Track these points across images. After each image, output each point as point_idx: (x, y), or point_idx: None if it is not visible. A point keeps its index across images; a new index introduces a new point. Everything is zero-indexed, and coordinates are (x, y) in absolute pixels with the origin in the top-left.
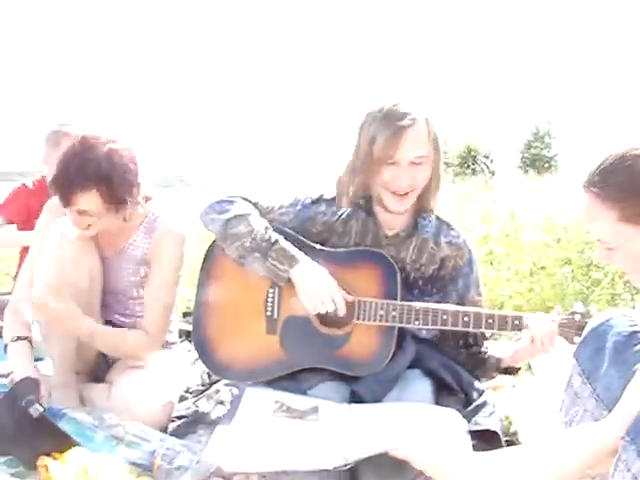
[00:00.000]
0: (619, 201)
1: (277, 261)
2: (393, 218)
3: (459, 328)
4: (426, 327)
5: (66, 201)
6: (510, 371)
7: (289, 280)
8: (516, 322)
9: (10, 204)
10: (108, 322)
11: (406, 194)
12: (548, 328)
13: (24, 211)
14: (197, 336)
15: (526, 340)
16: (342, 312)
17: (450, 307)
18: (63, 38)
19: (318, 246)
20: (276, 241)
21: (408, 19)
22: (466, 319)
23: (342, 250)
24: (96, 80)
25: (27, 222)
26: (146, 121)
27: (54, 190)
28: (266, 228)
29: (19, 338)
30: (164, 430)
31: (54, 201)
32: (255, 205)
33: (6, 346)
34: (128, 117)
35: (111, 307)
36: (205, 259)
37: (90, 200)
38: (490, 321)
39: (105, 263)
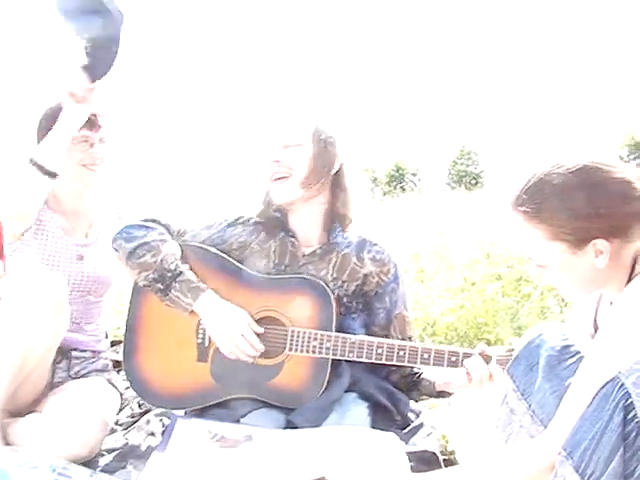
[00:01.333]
0: (547, 220)
1: (180, 292)
2: (306, 228)
3: (394, 362)
4: (360, 360)
5: (93, 125)
6: (444, 395)
7: (192, 312)
8: (453, 359)
9: None
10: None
11: (282, 178)
12: (485, 369)
13: None
14: (128, 361)
15: (461, 375)
16: (259, 350)
17: (386, 340)
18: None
19: (251, 271)
20: (181, 272)
21: (338, 36)
22: (401, 353)
23: (276, 277)
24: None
25: None
26: None
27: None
28: (173, 258)
29: None
30: (95, 464)
31: None
32: (167, 228)
33: None
34: None
35: None
36: (136, 283)
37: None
38: (426, 356)
39: None
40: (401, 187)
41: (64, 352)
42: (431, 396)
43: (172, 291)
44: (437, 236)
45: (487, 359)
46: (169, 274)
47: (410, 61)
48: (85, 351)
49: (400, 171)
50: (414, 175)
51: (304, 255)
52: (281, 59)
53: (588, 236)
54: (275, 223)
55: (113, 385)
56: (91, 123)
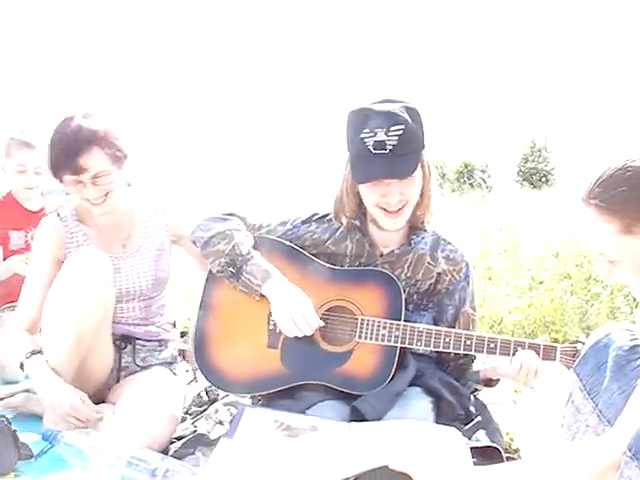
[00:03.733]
0: (620, 213)
1: (251, 275)
2: (388, 236)
3: (460, 351)
4: (428, 349)
5: (76, 168)
6: (489, 384)
7: (262, 295)
8: (519, 348)
9: None
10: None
11: (398, 210)
12: (535, 364)
13: None
14: (199, 348)
15: (515, 364)
16: (310, 332)
17: (452, 330)
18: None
19: (322, 262)
20: (252, 257)
21: (404, 33)
22: (469, 342)
23: (347, 268)
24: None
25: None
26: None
27: (58, 170)
28: (246, 244)
29: (33, 353)
30: (165, 451)
31: (51, 220)
32: (243, 220)
33: (21, 365)
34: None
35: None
36: (209, 271)
37: (98, 158)
38: (492, 346)
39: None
40: (470, 184)
41: (129, 339)
42: (476, 383)
43: (243, 274)
44: (506, 234)
45: (551, 350)
46: (240, 258)
47: (482, 55)
48: (150, 341)
49: (469, 167)
50: (483, 172)
51: (382, 255)
52: (345, 58)
53: None
54: (354, 226)
55: (178, 376)
56: (73, 168)
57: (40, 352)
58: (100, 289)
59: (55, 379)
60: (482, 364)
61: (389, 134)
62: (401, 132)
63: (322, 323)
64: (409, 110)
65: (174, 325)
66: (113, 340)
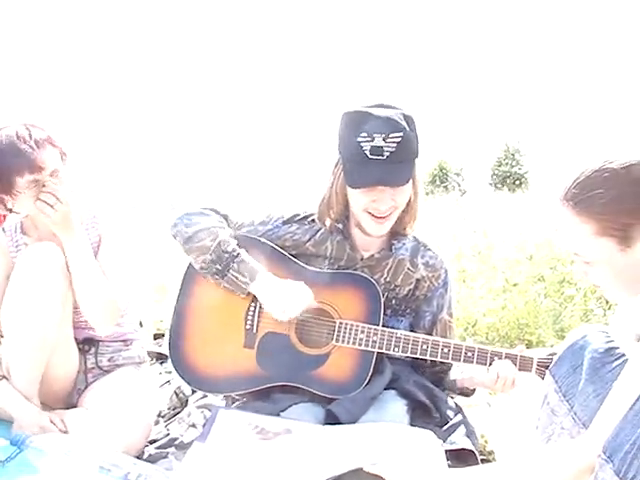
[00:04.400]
0: (596, 215)
1: (238, 272)
2: (370, 240)
3: (437, 359)
4: (405, 355)
5: (34, 167)
6: (464, 393)
7: (248, 293)
8: (495, 358)
9: None
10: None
11: (386, 217)
12: (512, 374)
13: None
14: (174, 346)
15: (492, 374)
16: (309, 305)
17: (430, 337)
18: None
19: (302, 264)
20: (238, 254)
21: (383, 37)
22: (446, 350)
23: (327, 271)
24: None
25: None
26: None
27: (12, 175)
28: (231, 241)
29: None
30: (138, 456)
31: None
32: (225, 218)
33: None
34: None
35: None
36: (187, 270)
37: (52, 154)
38: (469, 354)
39: None
40: (444, 187)
41: (92, 342)
42: (452, 392)
43: (230, 271)
44: (480, 236)
45: (528, 361)
46: (227, 255)
47: (456, 60)
48: (115, 341)
49: (443, 170)
50: (457, 175)
51: (362, 259)
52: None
53: (638, 233)
54: (336, 229)
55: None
56: (33, 166)
57: (4, 377)
58: (58, 281)
59: (21, 403)
60: (460, 373)
61: (387, 140)
62: (399, 139)
63: (314, 304)
64: (407, 118)
65: (140, 324)
66: (77, 344)
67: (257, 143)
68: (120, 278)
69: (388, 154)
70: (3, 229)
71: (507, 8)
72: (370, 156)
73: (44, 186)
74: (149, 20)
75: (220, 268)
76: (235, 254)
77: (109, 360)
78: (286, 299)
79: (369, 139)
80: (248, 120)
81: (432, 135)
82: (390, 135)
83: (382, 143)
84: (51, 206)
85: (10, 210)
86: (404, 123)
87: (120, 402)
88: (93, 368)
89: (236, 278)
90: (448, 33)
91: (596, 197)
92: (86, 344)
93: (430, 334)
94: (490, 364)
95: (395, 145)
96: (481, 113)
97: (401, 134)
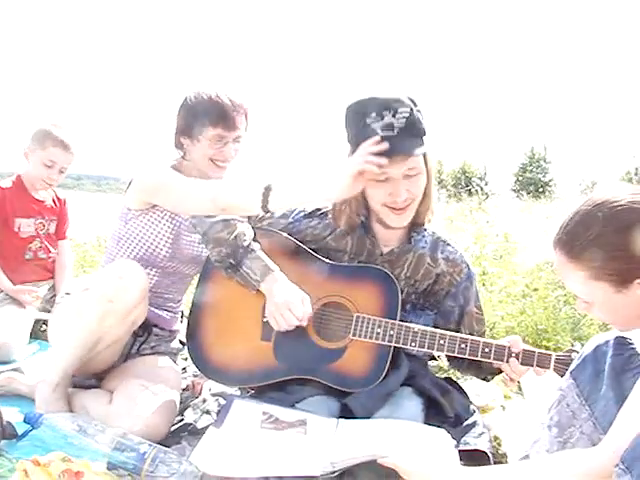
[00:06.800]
0: (588, 262)
1: (250, 269)
2: (391, 233)
3: (454, 354)
4: (422, 350)
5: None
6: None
7: (258, 290)
8: (513, 355)
9: None
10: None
11: (405, 207)
12: (517, 372)
13: (1, 214)
14: (192, 337)
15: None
16: (304, 317)
17: (447, 332)
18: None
19: (322, 258)
20: (253, 250)
21: (407, 38)
22: (463, 346)
23: (345, 265)
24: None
25: (5, 224)
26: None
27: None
28: (247, 236)
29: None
30: (158, 440)
31: None
32: None
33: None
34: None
35: None
36: (206, 261)
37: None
38: (487, 350)
39: None
40: (467, 190)
41: (147, 327)
42: (493, 373)
43: (243, 267)
44: (502, 241)
45: (546, 358)
46: (241, 250)
47: (484, 64)
48: (165, 330)
49: (467, 174)
50: (481, 179)
51: (382, 254)
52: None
53: (631, 275)
54: (357, 224)
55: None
56: (228, 123)
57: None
58: (133, 309)
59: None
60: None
61: (396, 116)
62: (408, 114)
63: (309, 315)
64: (410, 98)
65: (182, 316)
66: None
67: (264, 142)
68: None
69: (398, 130)
70: None
71: (538, 11)
72: (381, 132)
73: (225, 145)
74: (150, 20)
75: (234, 262)
76: (250, 249)
77: (152, 348)
78: (283, 312)
79: (378, 118)
80: (258, 120)
81: (456, 138)
82: (399, 110)
83: (392, 119)
84: (219, 167)
85: None
86: (408, 101)
87: (149, 389)
88: (135, 354)
89: (248, 275)
90: (480, 35)
91: (585, 245)
92: (141, 328)
93: (459, 328)
94: (507, 361)
95: (404, 120)
96: (507, 118)
97: (408, 109)
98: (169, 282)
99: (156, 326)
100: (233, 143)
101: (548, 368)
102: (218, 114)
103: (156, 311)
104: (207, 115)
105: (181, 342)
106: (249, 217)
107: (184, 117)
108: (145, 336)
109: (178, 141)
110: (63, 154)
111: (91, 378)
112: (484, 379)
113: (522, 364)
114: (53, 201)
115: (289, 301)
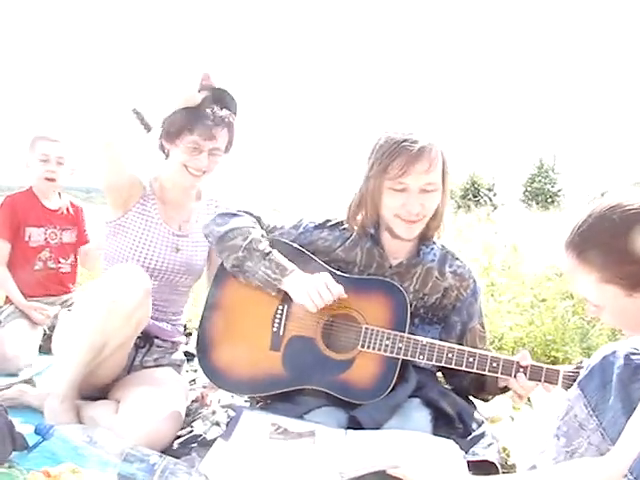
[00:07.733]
0: (598, 265)
1: (270, 270)
2: (400, 245)
3: (462, 368)
4: (430, 363)
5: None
6: (506, 390)
7: (279, 290)
8: (521, 369)
9: None
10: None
11: (416, 221)
12: (525, 387)
13: (14, 223)
14: (202, 347)
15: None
16: (340, 293)
17: (456, 346)
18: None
19: (333, 270)
20: (270, 252)
21: (413, 49)
22: (471, 360)
23: (355, 277)
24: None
25: (16, 233)
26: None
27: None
28: (263, 240)
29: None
30: (164, 450)
31: None
32: (258, 220)
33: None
34: None
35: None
36: (217, 273)
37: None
38: (494, 365)
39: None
40: (476, 201)
41: (148, 338)
42: (496, 393)
43: (261, 268)
44: (510, 251)
45: (554, 374)
46: (258, 253)
47: (493, 75)
48: (166, 341)
49: (475, 185)
50: (489, 190)
51: (391, 267)
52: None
53: None
54: (366, 234)
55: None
56: (205, 131)
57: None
58: (137, 309)
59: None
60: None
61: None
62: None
63: (344, 295)
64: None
65: (185, 328)
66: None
67: (282, 149)
68: None
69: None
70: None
71: (546, 20)
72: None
73: (199, 153)
74: (150, 20)
75: (251, 265)
76: (267, 252)
77: (155, 360)
78: (316, 290)
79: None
80: (257, 120)
81: (464, 149)
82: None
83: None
84: (192, 175)
85: None
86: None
87: (152, 397)
88: (138, 366)
89: (268, 275)
90: (488, 48)
91: (598, 248)
92: (142, 340)
93: (461, 343)
94: (515, 375)
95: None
96: (515, 129)
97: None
98: (165, 293)
99: (157, 338)
100: (209, 154)
101: (556, 384)
102: (196, 121)
103: (156, 323)
104: (187, 121)
105: (186, 354)
106: (259, 223)
107: (169, 121)
108: (147, 347)
109: (161, 144)
110: (50, 144)
111: (97, 393)
112: (484, 399)
113: (530, 379)
114: (67, 210)
115: (324, 278)
